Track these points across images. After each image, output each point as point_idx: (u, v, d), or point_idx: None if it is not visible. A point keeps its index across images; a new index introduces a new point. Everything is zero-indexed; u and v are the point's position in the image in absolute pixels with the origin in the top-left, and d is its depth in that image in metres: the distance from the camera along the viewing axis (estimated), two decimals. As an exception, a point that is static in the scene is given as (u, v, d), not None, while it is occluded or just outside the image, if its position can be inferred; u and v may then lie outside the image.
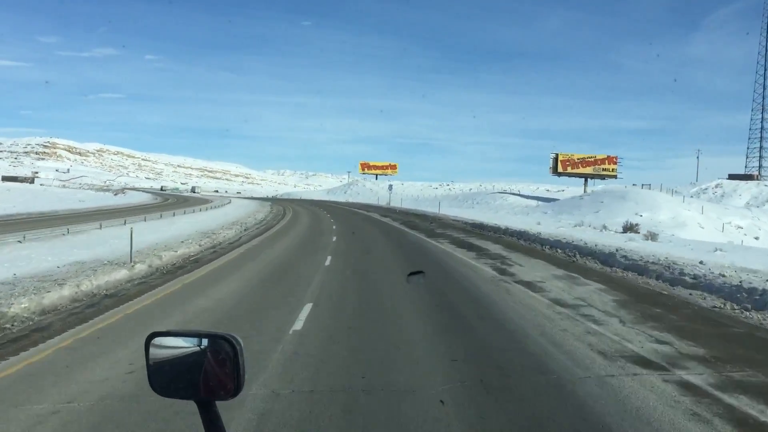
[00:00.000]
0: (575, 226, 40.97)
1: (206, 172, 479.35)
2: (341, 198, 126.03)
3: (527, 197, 79.88)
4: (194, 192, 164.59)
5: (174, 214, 41.61)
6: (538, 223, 39.70)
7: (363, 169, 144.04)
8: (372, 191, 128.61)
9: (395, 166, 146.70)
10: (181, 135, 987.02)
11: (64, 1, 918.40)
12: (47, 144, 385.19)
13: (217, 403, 1.75)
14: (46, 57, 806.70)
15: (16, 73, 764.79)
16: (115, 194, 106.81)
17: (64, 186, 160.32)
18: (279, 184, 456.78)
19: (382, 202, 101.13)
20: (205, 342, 1.76)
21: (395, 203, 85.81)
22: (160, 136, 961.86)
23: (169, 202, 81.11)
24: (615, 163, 79.59)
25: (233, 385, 1.73)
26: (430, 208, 61.68)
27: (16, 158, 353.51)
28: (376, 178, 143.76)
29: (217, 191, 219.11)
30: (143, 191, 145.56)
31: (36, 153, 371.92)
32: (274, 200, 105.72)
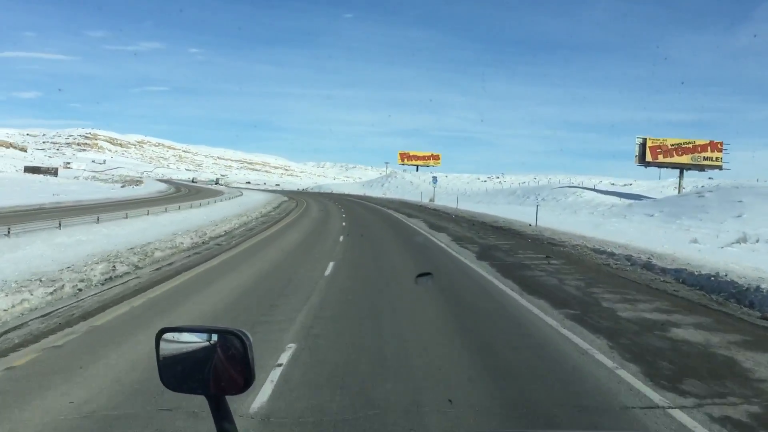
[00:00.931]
0: (737, 242, 25.04)
1: (245, 164, 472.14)
2: (377, 192, 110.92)
3: (605, 193, 63.26)
4: (218, 183, 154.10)
5: (166, 210, 33.63)
6: (695, 241, 23.76)
7: (402, 160, 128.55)
8: (412, 184, 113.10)
9: (438, 156, 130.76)
10: (223, 127, 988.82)
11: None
12: (88, 135, 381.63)
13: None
14: (93, 51, 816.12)
15: (64, 66, 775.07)
16: (122, 186, 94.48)
17: (94, 177, 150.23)
18: (318, 176, 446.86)
19: (425, 198, 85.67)
20: (214, 337, 1.74)
21: (442, 200, 70.37)
22: (201, 128, 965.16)
23: (176, 194, 74.18)
24: (720, 150, 62.18)
25: (243, 380, 1.71)
26: (492, 210, 45.98)
27: (57, 149, 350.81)
28: (417, 170, 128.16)
29: (249, 183, 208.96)
30: (163, 182, 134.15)
31: (77, 144, 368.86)
32: (295, 194, 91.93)
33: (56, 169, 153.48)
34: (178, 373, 1.77)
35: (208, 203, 45.33)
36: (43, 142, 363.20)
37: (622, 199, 57.48)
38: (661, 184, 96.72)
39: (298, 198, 74.02)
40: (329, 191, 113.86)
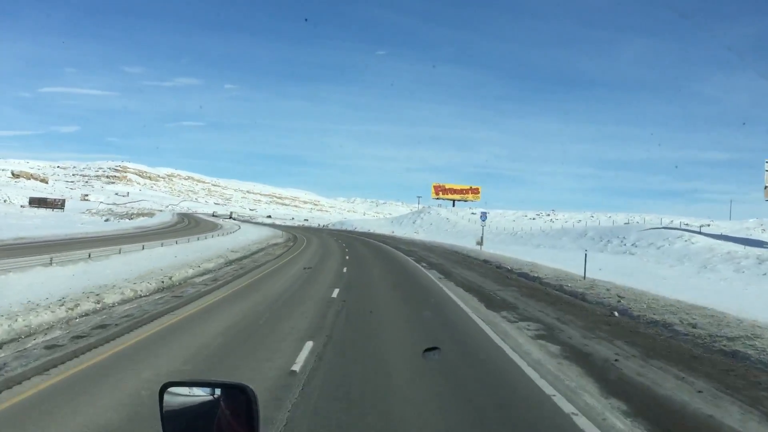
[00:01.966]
0: None
1: (275, 198, 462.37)
2: (408, 229, 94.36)
3: (717, 237, 45.74)
4: (231, 217, 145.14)
5: (143, 248, 26.04)
6: None
7: (437, 194, 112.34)
8: (449, 221, 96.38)
9: (477, 190, 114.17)
10: (254, 162, 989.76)
11: (149, 33, 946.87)
12: (118, 168, 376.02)
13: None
14: (131, 86, 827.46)
15: (103, 101, 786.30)
16: (129, 219, 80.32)
17: (110, 210, 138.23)
18: (348, 211, 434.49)
19: (466, 239, 68.84)
20: (218, 392, 1.72)
21: (491, 243, 53.61)
22: (233, 163, 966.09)
23: (171, 227, 68.67)
24: None
25: None
26: (573, 261, 28.94)
27: (86, 182, 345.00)
28: (453, 205, 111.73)
29: (269, 216, 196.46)
30: (182, 214, 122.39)
31: (107, 177, 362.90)
32: (306, 231, 76.34)
33: (63, 201, 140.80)
34: (182, 427, 1.71)
35: (187, 241, 37.17)
36: (73, 175, 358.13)
37: (747, 247, 39.96)
38: (743, 225, 78.26)
39: (306, 236, 58.37)
40: (352, 228, 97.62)
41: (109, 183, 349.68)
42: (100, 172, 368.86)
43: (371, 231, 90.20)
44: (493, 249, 46.19)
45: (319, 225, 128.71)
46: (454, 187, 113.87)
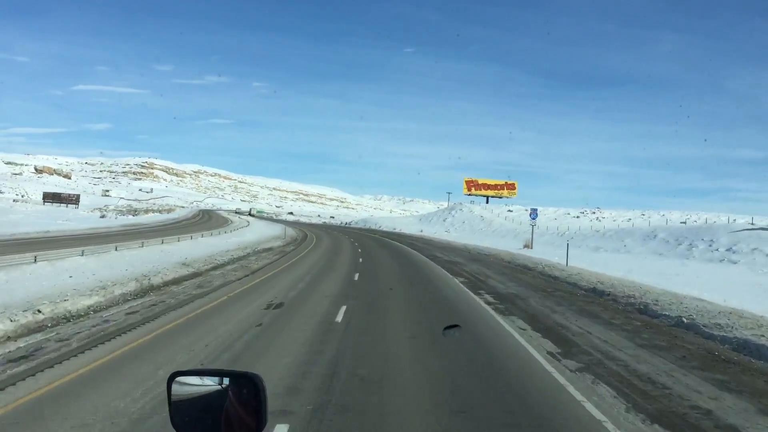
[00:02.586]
0: None
1: (301, 195, 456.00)
2: (437, 228, 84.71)
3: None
4: (250, 214, 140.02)
5: (82, 253, 19.86)
6: None
7: (469, 189, 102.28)
8: (483, 219, 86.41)
9: (513, 185, 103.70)
10: (281, 159, 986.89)
11: (180, 32, 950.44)
12: (144, 164, 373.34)
13: None
14: (162, 84, 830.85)
15: (134, 99, 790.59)
16: (135, 214, 72.47)
17: (129, 206, 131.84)
18: (375, 209, 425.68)
19: (507, 239, 59.45)
20: (226, 381, 1.71)
21: (539, 246, 43.96)
22: (261, 160, 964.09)
23: (170, 225, 61.29)
24: None
25: (255, 424, 1.65)
26: (684, 281, 19.12)
27: (114, 178, 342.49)
28: (487, 201, 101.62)
29: (291, 213, 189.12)
30: (205, 210, 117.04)
31: (133, 173, 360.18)
32: (323, 230, 67.42)
33: (78, 196, 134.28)
34: (190, 416, 1.70)
35: (161, 242, 31.12)
36: (101, 171, 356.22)
37: None
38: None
39: (318, 236, 49.47)
40: (376, 226, 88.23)
41: (135, 179, 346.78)
42: (127, 169, 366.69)
43: (397, 230, 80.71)
44: (542, 252, 36.58)
45: (341, 223, 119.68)
46: (488, 183, 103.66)
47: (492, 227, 79.90)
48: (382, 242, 45.74)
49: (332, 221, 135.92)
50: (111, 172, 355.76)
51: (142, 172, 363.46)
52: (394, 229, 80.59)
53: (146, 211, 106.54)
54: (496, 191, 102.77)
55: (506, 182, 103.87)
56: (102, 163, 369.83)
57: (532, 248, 42.23)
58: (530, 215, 43.74)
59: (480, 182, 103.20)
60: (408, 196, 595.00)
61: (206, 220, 78.82)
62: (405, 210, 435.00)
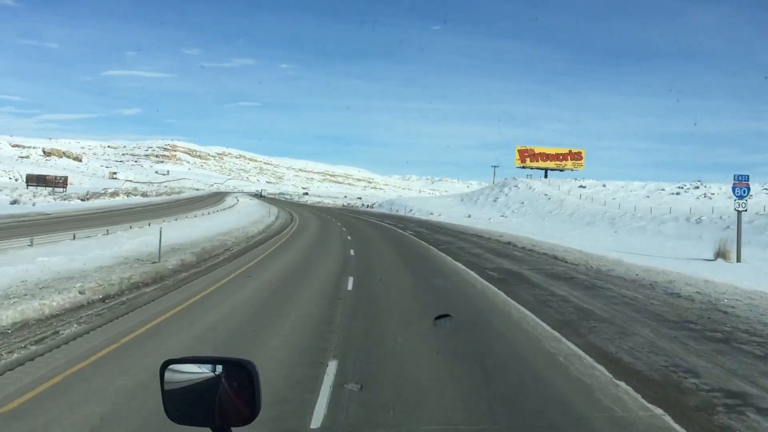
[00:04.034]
0: None
1: (328, 176, 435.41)
2: (489, 211, 61.71)
3: None
4: (261, 195, 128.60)
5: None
6: None
7: (522, 160, 78.74)
8: (549, 198, 63.05)
9: (580, 154, 79.66)
10: (309, 141, 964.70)
11: (207, 15, 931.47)
12: (167, 147, 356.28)
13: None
14: (190, 68, 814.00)
15: (162, 84, 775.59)
16: (84, 200, 52.10)
17: (135, 189, 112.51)
18: (403, 189, 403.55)
19: (601, 227, 37.24)
20: (219, 368, 1.67)
21: (706, 246, 20.85)
22: (288, 142, 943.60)
23: (141, 207, 48.02)
24: None
25: (249, 411, 1.61)
26: None
27: (136, 161, 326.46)
28: (546, 175, 77.99)
29: (307, 194, 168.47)
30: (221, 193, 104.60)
31: (156, 156, 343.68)
32: (333, 215, 44.92)
33: (65, 178, 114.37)
34: (183, 404, 1.65)
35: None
36: (123, 154, 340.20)
37: None
38: None
39: (315, 223, 27.22)
40: (406, 210, 65.14)
41: (158, 162, 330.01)
42: (149, 152, 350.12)
43: (435, 216, 57.72)
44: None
45: (363, 205, 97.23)
46: (547, 152, 79.84)
47: (565, 209, 56.62)
48: (424, 262, 23.64)
49: (354, 204, 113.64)
50: (133, 156, 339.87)
51: (164, 155, 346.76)
52: (431, 214, 57.73)
53: (157, 194, 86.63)
54: (557, 162, 79.05)
55: (570, 151, 79.90)
56: (125, 147, 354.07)
57: (740, 261, 19.32)
58: (737, 193, 20.23)
59: (537, 151, 79.49)
60: (436, 176, 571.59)
61: (192, 203, 61.04)
62: (434, 190, 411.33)
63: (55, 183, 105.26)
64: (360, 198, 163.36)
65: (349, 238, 23.84)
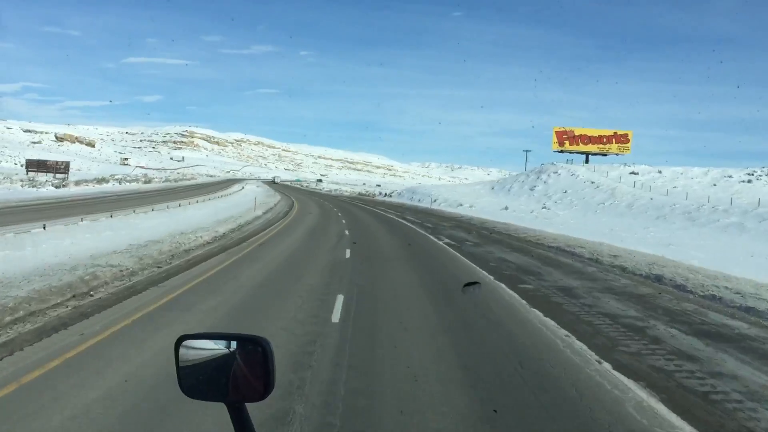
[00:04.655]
0: None
1: (347, 164, 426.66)
2: (527, 201, 52.33)
3: None
4: (275, 183, 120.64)
5: None
6: None
7: (561, 143, 68.85)
8: (597, 186, 53.38)
9: (626, 136, 69.40)
10: (329, 128, 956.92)
11: (227, 2, 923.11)
12: (185, 133, 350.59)
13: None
14: (210, 55, 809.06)
15: (183, 71, 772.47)
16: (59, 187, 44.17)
17: (145, 175, 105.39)
18: (423, 176, 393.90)
19: (712, 229, 27.43)
20: (234, 344, 1.65)
21: None
22: (308, 129, 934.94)
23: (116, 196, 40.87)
24: None
25: (263, 387, 1.60)
26: None
27: (153, 147, 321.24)
28: (587, 160, 68.07)
29: (320, 180, 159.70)
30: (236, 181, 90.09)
31: (174, 143, 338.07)
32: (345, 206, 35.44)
33: (67, 164, 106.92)
34: (198, 380, 1.66)
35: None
36: (140, 141, 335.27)
37: None
38: None
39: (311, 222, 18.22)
40: (430, 201, 55.65)
41: (176, 149, 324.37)
42: (167, 138, 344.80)
43: (467, 211, 48.57)
44: None
45: (381, 194, 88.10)
46: (589, 133, 69.66)
47: (619, 200, 47.02)
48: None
49: (375, 191, 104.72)
50: (151, 142, 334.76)
51: (182, 142, 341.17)
52: (460, 206, 48.40)
53: (164, 180, 78.65)
54: (600, 145, 68.92)
55: (615, 132, 69.63)
56: (142, 133, 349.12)
57: None
58: None
59: (577, 133, 69.39)
60: (456, 163, 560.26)
61: (193, 189, 59.25)
62: (454, 177, 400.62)
63: (56, 168, 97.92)
64: (379, 185, 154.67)
65: (346, 256, 14.61)
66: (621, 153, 69.01)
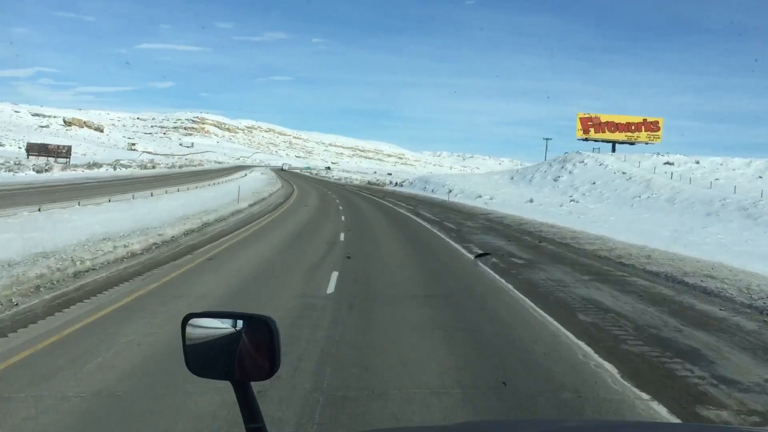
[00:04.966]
0: None
1: (357, 152, 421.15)
2: (550, 194, 47.29)
3: None
4: (283, 169, 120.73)
5: None
6: None
7: (586, 130, 63.49)
8: (628, 178, 48.20)
9: (657, 124, 63.90)
10: (340, 115, 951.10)
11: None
12: (196, 119, 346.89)
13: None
14: (223, 42, 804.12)
15: (196, 57, 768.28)
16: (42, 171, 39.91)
17: (152, 161, 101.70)
18: (434, 165, 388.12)
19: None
20: (240, 323, 1.65)
21: None
22: (319, 117, 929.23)
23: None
24: None
25: (268, 366, 1.61)
26: None
27: (164, 133, 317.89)
28: (614, 149, 62.67)
29: (329, 168, 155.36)
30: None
31: (184, 129, 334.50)
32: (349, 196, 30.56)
33: (69, 148, 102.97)
34: (204, 358, 1.67)
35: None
36: (152, 126, 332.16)
37: None
38: None
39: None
40: (445, 193, 50.68)
41: (187, 135, 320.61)
42: (178, 124, 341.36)
43: (488, 204, 43.66)
44: None
45: (392, 183, 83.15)
46: (616, 120, 64.16)
47: (656, 192, 41.92)
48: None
49: (386, 179, 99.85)
50: (162, 128, 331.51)
51: (193, 128, 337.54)
52: (479, 197, 43.44)
53: (167, 166, 74.72)
54: (628, 133, 63.43)
55: (645, 119, 64.10)
56: (153, 119, 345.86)
57: None
58: None
59: (603, 120, 63.93)
60: (467, 152, 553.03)
61: (191, 176, 55.77)
62: (465, 166, 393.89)
63: (58, 153, 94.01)
64: (390, 174, 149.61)
65: (328, 290, 9.33)
66: (651, 141, 63.54)
